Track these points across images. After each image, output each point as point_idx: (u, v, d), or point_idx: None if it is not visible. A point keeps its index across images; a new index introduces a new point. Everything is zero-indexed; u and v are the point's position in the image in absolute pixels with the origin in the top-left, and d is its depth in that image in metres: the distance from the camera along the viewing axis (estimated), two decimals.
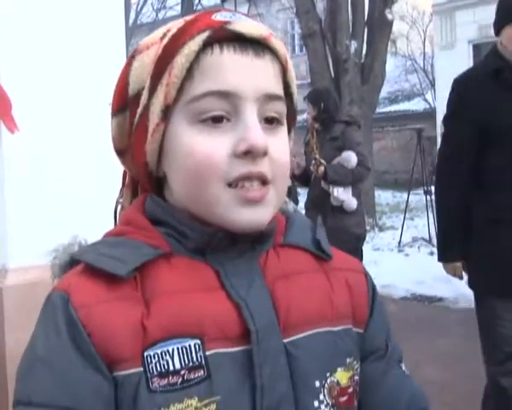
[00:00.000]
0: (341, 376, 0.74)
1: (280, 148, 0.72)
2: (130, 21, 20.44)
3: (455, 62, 12.88)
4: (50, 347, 0.66)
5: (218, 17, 0.70)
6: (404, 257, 8.38)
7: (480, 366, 2.62)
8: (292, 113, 0.78)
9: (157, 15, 22.08)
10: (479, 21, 13.13)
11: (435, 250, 2.95)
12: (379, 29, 11.31)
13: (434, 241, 7.48)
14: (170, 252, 0.71)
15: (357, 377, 0.77)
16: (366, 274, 0.85)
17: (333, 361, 0.74)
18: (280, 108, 0.73)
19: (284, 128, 0.75)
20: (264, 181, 0.70)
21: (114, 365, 0.65)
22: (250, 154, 0.68)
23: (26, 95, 2.67)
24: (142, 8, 22.35)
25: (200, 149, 0.68)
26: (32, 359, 0.67)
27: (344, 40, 10.84)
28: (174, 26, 0.73)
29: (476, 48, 13.61)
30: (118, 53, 3.27)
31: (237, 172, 0.68)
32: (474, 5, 13.14)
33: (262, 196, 0.70)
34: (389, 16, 11.26)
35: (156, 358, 0.65)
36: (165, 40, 0.71)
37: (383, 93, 16.31)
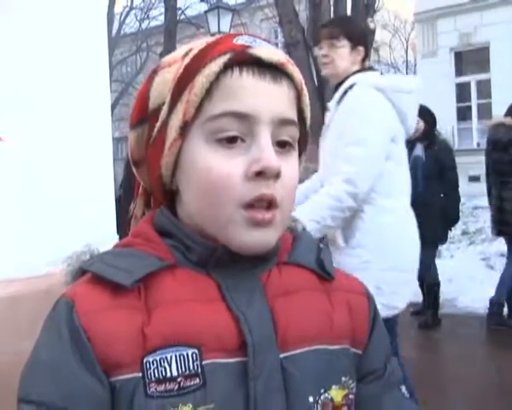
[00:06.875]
0: (336, 393, 0.75)
1: (290, 172, 0.74)
2: (114, 31, 20.43)
3: (437, 70, 13.03)
4: (52, 350, 0.69)
5: (240, 41, 0.73)
6: None
7: (463, 369, 2.64)
8: (304, 138, 0.80)
9: (140, 25, 22.09)
10: (460, 29, 13.27)
11: None
12: None
13: None
14: (174, 264, 0.74)
15: (352, 396, 0.77)
16: (368, 296, 0.86)
17: (328, 378, 0.75)
18: (293, 133, 0.75)
19: (295, 153, 0.77)
20: (272, 204, 0.71)
21: (113, 369, 0.68)
22: (263, 175, 0.70)
23: (8, 105, 2.64)
24: (125, 19, 22.32)
25: (216, 169, 0.70)
26: (34, 360, 0.70)
27: None
28: (196, 46, 0.75)
29: (458, 55, 13.75)
30: (101, 62, 3.27)
31: (250, 195, 0.70)
32: (455, 13, 13.28)
33: (271, 219, 0.71)
34: (371, 25, 11.35)
35: (155, 364, 0.67)
36: (187, 60, 0.74)
37: None
